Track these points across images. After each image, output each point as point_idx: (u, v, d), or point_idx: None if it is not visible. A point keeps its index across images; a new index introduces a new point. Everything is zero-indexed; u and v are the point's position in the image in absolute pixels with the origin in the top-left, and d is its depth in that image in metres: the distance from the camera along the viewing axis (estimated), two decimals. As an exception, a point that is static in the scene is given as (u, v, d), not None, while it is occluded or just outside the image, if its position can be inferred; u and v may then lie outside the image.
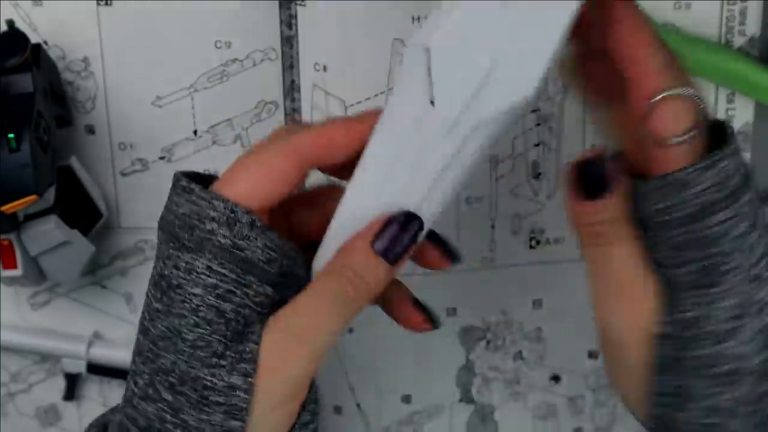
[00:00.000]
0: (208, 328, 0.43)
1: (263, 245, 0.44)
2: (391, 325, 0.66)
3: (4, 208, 0.59)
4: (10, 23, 0.63)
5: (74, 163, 0.67)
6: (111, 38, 0.67)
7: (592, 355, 0.73)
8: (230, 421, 0.43)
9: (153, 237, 0.71)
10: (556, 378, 0.73)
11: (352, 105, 0.66)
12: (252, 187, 0.44)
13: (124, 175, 0.70)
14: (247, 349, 0.43)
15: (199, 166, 0.69)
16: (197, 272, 0.43)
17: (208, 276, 0.43)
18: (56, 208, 0.64)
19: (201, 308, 0.43)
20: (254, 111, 0.68)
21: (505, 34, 0.47)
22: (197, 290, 0.43)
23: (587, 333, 0.73)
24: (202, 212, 0.43)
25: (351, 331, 0.71)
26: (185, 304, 0.43)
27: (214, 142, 0.69)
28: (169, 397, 0.44)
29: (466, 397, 0.74)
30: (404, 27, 0.65)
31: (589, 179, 0.47)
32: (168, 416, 0.44)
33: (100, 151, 0.70)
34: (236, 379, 0.43)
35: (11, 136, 0.59)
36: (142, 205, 0.70)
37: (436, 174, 0.48)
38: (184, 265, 0.43)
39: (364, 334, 0.71)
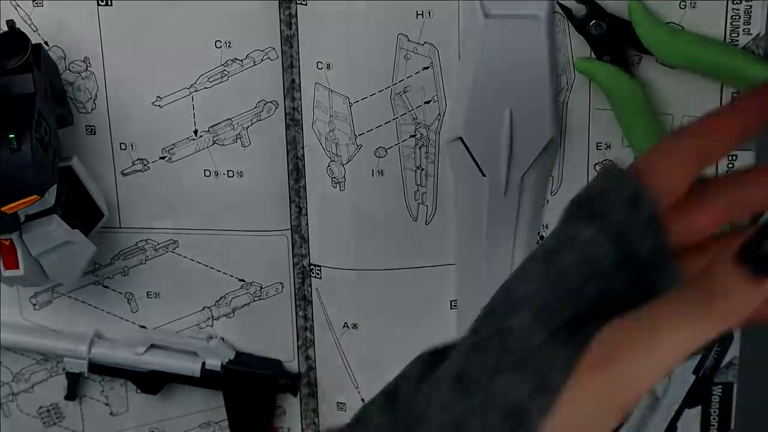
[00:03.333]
0: (561, 294, 0.40)
1: None
2: (395, 320, 0.66)
3: (5, 208, 0.59)
4: (11, 24, 0.63)
5: (75, 163, 0.67)
6: (111, 38, 0.67)
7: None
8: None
9: (153, 236, 0.71)
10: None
11: (357, 101, 0.66)
12: None
13: (124, 174, 0.70)
14: (580, 335, 0.39)
15: (199, 165, 0.69)
16: (580, 240, 0.42)
17: (591, 247, 0.41)
18: (57, 208, 0.64)
19: (565, 277, 0.41)
20: (254, 110, 0.67)
21: (511, 91, 0.63)
22: (572, 256, 0.41)
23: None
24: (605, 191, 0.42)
25: (356, 326, 0.70)
26: (555, 267, 0.42)
27: (214, 142, 0.68)
28: (494, 340, 0.41)
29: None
30: (408, 22, 0.64)
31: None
32: None
33: (100, 151, 0.69)
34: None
35: (12, 136, 0.59)
36: (142, 205, 0.70)
37: (513, 232, 0.64)
38: (570, 234, 0.43)
39: (369, 329, 0.71)
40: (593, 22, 0.63)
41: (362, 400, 0.70)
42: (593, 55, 0.64)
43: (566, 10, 0.63)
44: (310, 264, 0.71)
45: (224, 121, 0.68)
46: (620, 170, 0.41)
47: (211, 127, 0.68)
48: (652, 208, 0.40)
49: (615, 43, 0.63)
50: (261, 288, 0.72)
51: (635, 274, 0.40)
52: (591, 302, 0.40)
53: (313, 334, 0.72)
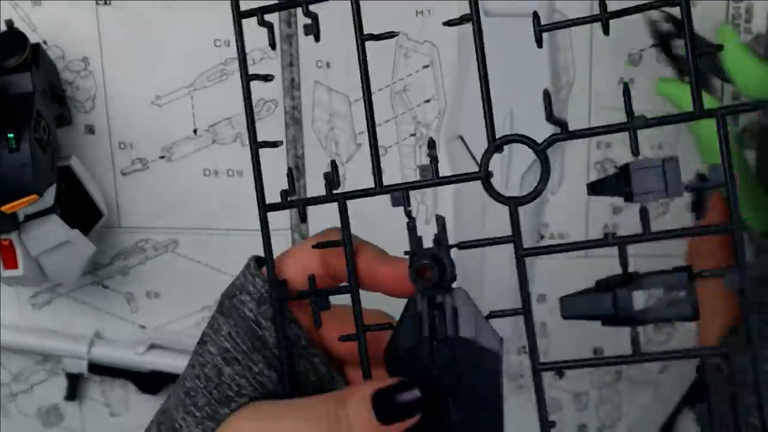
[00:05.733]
0: (203, 383, 0.45)
1: (283, 335, 0.45)
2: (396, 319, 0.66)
3: (4, 207, 0.59)
4: (10, 23, 0.63)
5: (74, 162, 0.67)
6: (110, 38, 0.67)
7: (596, 351, 0.73)
8: None
9: (153, 236, 0.71)
10: (560, 373, 0.73)
11: (356, 100, 0.66)
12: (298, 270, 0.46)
13: (124, 174, 0.70)
14: (221, 412, 0.44)
15: (199, 165, 0.69)
16: (220, 333, 0.45)
17: (226, 340, 0.45)
18: (57, 207, 0.64)
19: (207, 365, 0.45)
20: (254, 109, 0.67)
21: (511, 89, 0.60)
22: (213, 349, 0.45)
23: (591, 329, 0.72)
24: (244, 285, 0.46)
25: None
26: (200, 357, 0.45)
27: (214, 141, 0.68)
28: (153, 430, 0.46)
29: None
30: (408, 20, 0.64)
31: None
32: None
33: (100, 151, 0.69)
34: None
35: (11, 135, 0.59)
36: (142, 205, 0.70)
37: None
38: (215, 325, 0.46)
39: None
40: (679, 41, 0.62)
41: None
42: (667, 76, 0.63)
43: (653, 27, 0.62)
44: (310, 263, 0.71)
45: (224, 120, 0.68)
46: (256, 267, 0.46)
47: (211, 126, 0.68)
48: (275, 305, 0.45)
49: (700, 65, 0.61)
50: (261, 287, 0.72)
51: (271, 357, 0.45)
52: (233, 383, 0.44)
53: (314, 334, 0.72)
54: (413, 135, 0.67)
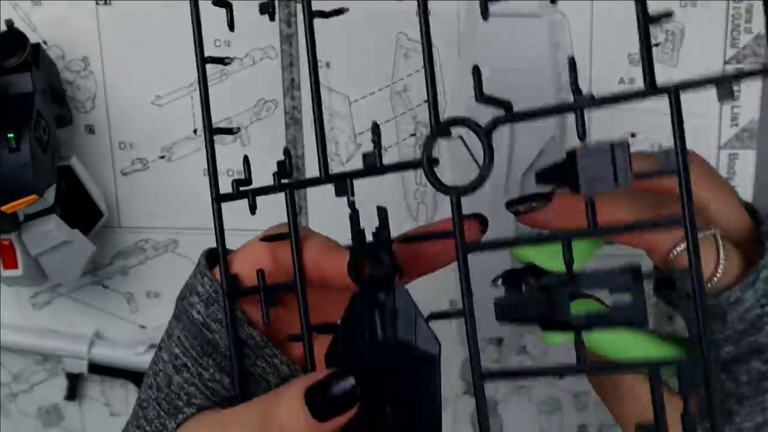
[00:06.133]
0: (154, 393, 0.43)
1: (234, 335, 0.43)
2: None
3: (4, 207, 0.59)
4: (10, 23, 0.63)
5: (74, 162, 0.67)
6: (110, 37, 0.67)
7: (595, 351, 0.73)
8: None
9: (153, 236, 0.71)
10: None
11: (356, 100, 0.66)
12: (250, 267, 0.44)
13: (124, 174, 0.70)
14: (168, 426, 0.42)
15: (199, 165, 0.69)
16: (173, 339, 0.44)
17: (176, 345, 0.43)
18: (57, 207, 0.64)
19: (159, 374, 0.43)
20: (254, 109, 0.67)
21: (511, 89, 0.57)
22: (165, 355, 0.43)
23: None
24: (193, 285, 0.44)
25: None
26: (155, 365, 0.44)
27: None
28: None
29: (470, 390, 0.74)
30: (408, 20, 0.64)
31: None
32: None
33: (100, 151, 0.69)
34: None
35: (11, 135, 0.59)
36: (142, 205, 0.70)
37: (513, 231, 0.59)
38: (169, 329, 0.44)
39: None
40: None
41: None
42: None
43: None
44: (310, 263, 0.71)
45: (224, 120, 0.68)
46: (206, 266, 0.45)
47: (211, 126, 0.68)
48: (227, 304, 0.43)
49: None
50: (261, 287, 0.72)
51: (223, 361, 0.43)
52: (182, 392, 0.42)
53: (314, 334, 0.72)
54: (413, 135, 0.67)
